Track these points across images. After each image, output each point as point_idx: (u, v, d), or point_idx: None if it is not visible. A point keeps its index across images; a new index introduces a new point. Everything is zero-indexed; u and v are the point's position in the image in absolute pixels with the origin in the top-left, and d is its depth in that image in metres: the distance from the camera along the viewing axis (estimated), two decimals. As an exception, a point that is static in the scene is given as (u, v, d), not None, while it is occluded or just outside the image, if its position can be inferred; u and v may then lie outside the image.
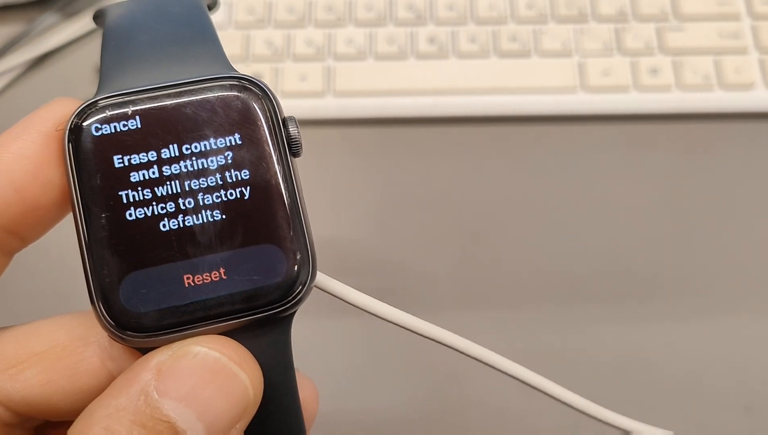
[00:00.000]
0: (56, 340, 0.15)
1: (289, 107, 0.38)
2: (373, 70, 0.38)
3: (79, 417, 0.13)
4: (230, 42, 0.39)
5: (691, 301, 0.34)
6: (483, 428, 0.32)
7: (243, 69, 0.38)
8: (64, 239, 0.18)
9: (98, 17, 0.17)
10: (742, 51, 0.38)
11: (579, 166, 0.37)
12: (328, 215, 0.36)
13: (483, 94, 0.38)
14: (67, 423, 0.14)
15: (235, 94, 0.15)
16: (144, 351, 0.14)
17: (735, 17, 0.38)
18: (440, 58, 0.38)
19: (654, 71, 0.37)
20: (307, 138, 0.39)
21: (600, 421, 0.21)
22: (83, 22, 0.41)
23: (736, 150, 0.37)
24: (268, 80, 0.38)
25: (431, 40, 0.38)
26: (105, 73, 0.15)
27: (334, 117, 0.38)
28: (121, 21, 0.16)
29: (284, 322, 0.15)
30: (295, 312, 0.15)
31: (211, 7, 0.18)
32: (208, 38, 0.16)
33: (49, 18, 0.41)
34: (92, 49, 0.41)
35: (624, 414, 0.32)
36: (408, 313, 0.18)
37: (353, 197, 0.36)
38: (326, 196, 0.36)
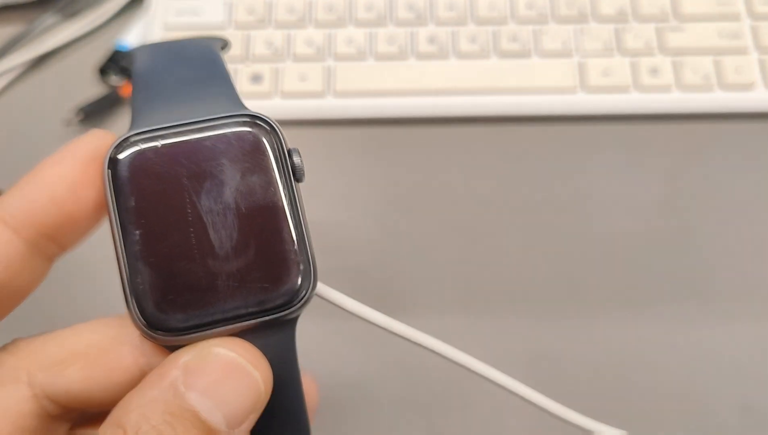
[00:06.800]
0: (94, 341, 0.17)
1: (289, 107, 0.38)
2: (373, 70, 0.38)
3: (117, 405, 0.15)
4: (230, 42, 0.39)
5: (690, 302, 0.34)
6: (452, 423, 0.32)
7: (243, 69, 0.38)
8: (97, 255, 0.19)
9: (126, 57, 0.20)
10: (742, 51, 0.38)
11: (579, 166, 0.37)
12: (328, 215, 0.36)
13: (483, 94, 0.38)
14: (102, 419, 0.16)
15: (247, 129, 0.17)
16: (171, 348, 0.16)
17: (735, 17, 0.38)
18: (440, 58, 0.38)
19: (654, 71, 0.37)
20: (307, 138, 0.39)
21: (563, 420, 0.23)
22: (83, 22, 0.41)
23: (736, 150, 0.37)
24: (268, 80, 0.38)
25: (431, 40, 0.38)
26: (136, 111, 0.17)
27: (334, 117, 0.38)
28: (148, 64, 0.19)
29: (290, 324, 0.17)
30: (299, 315, 0.17)
31: (223, 47, 0.21)
32: (222, 79, 0.18)
33: (49, 18, 0.41)
34: (92, 49, 0.41)
35: (622, 414, 0.32)
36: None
37: (353, 197, 0.36)
38: (326, 196, 0.36)
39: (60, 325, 0.18)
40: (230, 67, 0.40)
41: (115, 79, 0.39)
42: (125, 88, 0.39)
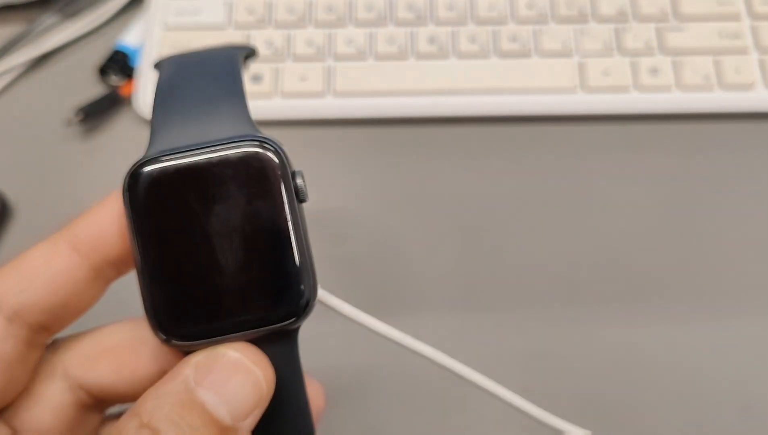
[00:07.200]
0: (120, 340, 0.20)
1: (289, 107, 0.38)
2: (373, 70, 0.38)
3: (139, 398, 0.17)
4: (230, 42, 0.39)
5: (689, 302, 0.34)
6: (429, 419, 0.32)
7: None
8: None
9: (156, 67, 0.21)
10: (742, 51, 0.38)
11: (579, 166, 0.37)
12: (328, 215, 0.36)
13: (483, 94, 0.38)
14: None
15: (255, 151, 0.18)
16: (186, 353, 0.18)
17: (735, 17, 0.38)
18: (440, 58, 0.38)
19: (654, 71, 0.37)
20: (307, 138, 0.39)
21: (535, 419, 0.25)
22: (83, 22, 0.41)
23: (736, 150, 0.37)
24: (268, 80, 0.38)
25: (431, 40, 0.38)
26: (154, 130, 0.19)
27: (334, 117, 0.38)
28: (169, 79, 0.20)
29: (293, 333, 0.19)
30: (299, 326, 0.19)
31: (249, 57, 0.22)
32: (237, 97, 0.19)
33: (49, 18, 0.41)
34: (92, 49, 0.41)
35: (622, 414, 0.32)
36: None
37: (353, 197, 0.36)
38: (326, 196, 0.36)
39: (87, 325, 0.20)
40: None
41: (115, 79, 0.39)
42: (125, 88, 0.39)
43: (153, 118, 0.19)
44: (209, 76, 0.20)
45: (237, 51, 0.21)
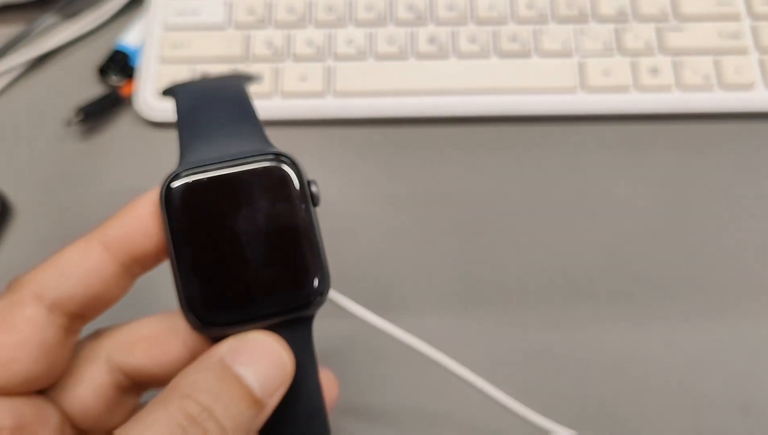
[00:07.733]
0: (155, 330, 0.22)
1: (289, 107, 0.38)
2: (373, 70, 0.38)
3: (179, 374, 0.19)
4: (230, 42, 0.39)
5: (689, 302, 0.34)
6: (415, 417, 0.32)
7: (243, 69, 0.38)
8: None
9: (167, 93, 0.23)
10: (742, 51, 0.38)
11: (579, 166, 0.37)
12: (328, 215, 0.36)
13: (483, 94, 0.38)
14: None
15: (275, 165, 0.20)
16: (214, 340, 0.20)
17: (735, 17, 0.38)
18: (440, 58, 0.38)
19: (654, 71, 0.37)
20: (307, 138, 0.39)
21: (522, 419, 0.26)
22: (83, 22, 0.41)
23: (736, 150, 0.37)
24: (268, 80, 0.38)
25: (431, 40, 0.38)
26: (183, 147, 0.21)
27: (334, 117, 0.38)
28: (189, 104, 0.22)
29: (308, 321, 0.21)
30: (315, 314, 0.21)
31: (251, 81, 0.24)
32: (251, 118, 0.22)
33: (49, 18, 0.41)
34: (92, 49, 0.41)
35: (621, 413, 0.32)
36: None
37: (353, 197, 0.36)
38: (326, 196, 0.36)
39: (128, 315, 0.23)
40: (231, 66, 0.40)
41: (115, 79, 0.39)
42: (125, 88, 0.39)
43: (180, 138, 0.21)
44: (225, 101, 0.22)
45: (243, 79, 0.23)
